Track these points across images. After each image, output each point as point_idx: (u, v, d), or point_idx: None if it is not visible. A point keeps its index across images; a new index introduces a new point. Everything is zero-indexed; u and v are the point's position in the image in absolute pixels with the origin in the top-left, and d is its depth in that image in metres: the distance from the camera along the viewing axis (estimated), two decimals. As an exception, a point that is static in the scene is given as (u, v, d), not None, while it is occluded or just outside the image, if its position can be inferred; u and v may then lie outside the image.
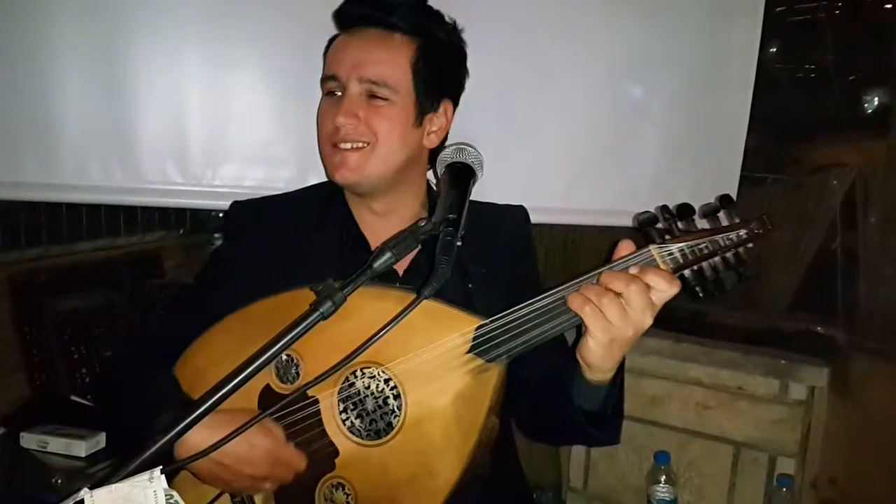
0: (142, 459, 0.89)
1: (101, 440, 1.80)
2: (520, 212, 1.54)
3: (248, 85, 1.88)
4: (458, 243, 1.08)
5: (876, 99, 2.31)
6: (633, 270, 1.10)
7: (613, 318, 1.07)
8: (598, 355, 1.11)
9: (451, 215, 1.12)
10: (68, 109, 1.79)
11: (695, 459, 2.30)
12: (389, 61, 1.35)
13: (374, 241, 1.41)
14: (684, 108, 2.08)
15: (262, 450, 1.19)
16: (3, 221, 2.20)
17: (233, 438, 1.04)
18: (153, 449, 0.90)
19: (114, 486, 0.83)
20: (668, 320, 2.34)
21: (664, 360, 2.31)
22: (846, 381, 2.17)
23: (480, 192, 1.32)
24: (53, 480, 1.60)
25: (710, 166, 2.10)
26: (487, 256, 1.42)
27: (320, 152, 1.42)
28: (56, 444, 1.72)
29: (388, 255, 1.04)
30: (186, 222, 2.62)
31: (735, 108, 2.06)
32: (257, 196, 1.53)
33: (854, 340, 2.24)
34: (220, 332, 1.28)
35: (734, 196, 2.02)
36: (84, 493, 0.82)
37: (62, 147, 1.79)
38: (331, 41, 1.45)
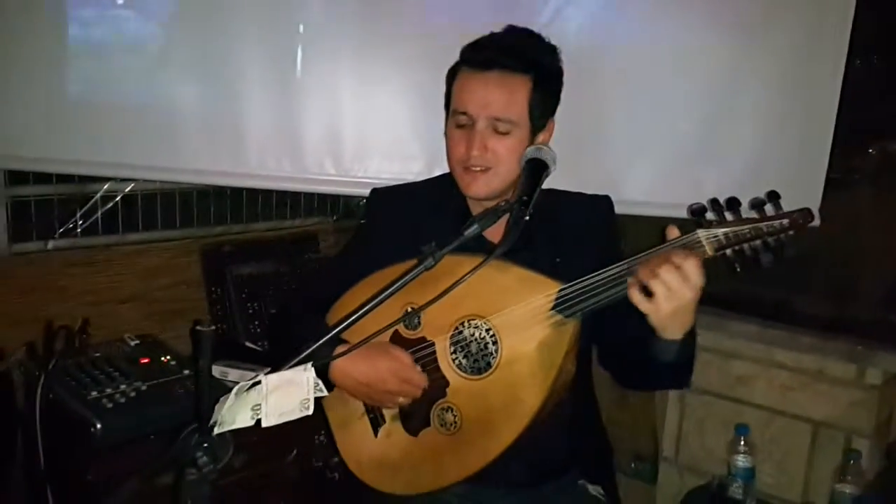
0: (300, 358, 1.13)
1: (267, 375, 2.20)
2: (605, 201, 1.73)
3: (390, 97, 2.25)
4: (527, 218, 1.33)
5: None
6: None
7: (657, 294, 1.28)
8: (661, 320, 1.32)
9: (524, 197, 1.37)
10: (253, 113, 2.20)
11: (776, 436, 2.42)
12: (510, 100, 1.55)
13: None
14: (774, 112, 2.22)
15: (387, 370, 1.51)
16: (197, 204, 2.67)
17: (362, 345, 1.26)
18: (310, 349, 1.15)
19: (281, 373, 1.15)
20: (755, 306, 2.51)
21: (752, 343, 2.45)
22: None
23: (573, 183, 1.65)
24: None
25: (798, 166, 2.24)
26: (575, 237, 1.65)
27: (451, 169, 1.64)
28: (234, 375, 2.08)
29: (475, 225, 1.29)
30: (339, 209, 3.01)
31: (822, 113, 2.18)
32: (395, 184, 1.84)
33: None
34: (363, 287, 1.58)
35: (820, 196, 2.19)
36: (261, 376, 1.15)
37: (248, 143, 2.20)
38: (454, 72, 1.65)
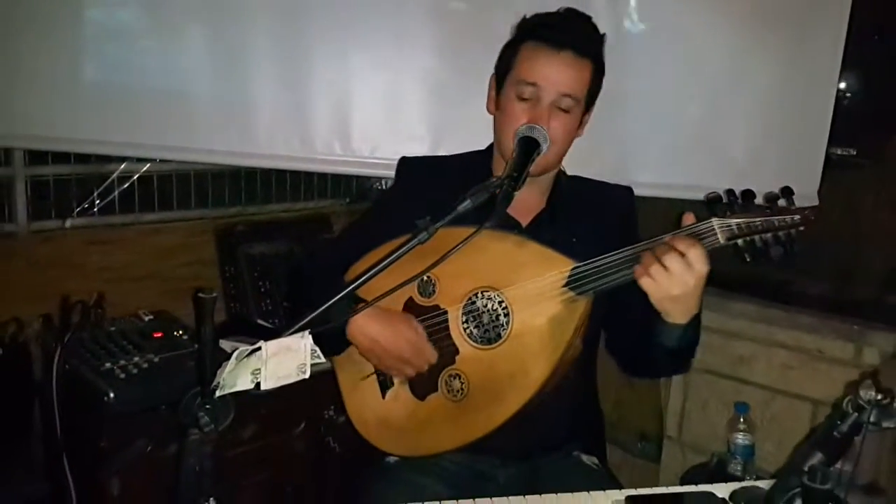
0: (303, 322, 1.16)
1: (277, 351, 2.25)
2: (626, 191, 1.81)
3: (397, 80, 2.28)
4: (516, 194, 1.36)
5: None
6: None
7: (659, 278, 1.33)
8: (660, 301, 1.37)
9: (514, 174, 1.40)
10: (263, 94, 2.25)
11: (777, 414, 2.43)
12: (578, 82, 1.60)
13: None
14: (774, 94, 2.25)
15: (405, 338, 1.54)
16: (212, 185, 2.73)
17: (383, 298, 1.28)
18: (314, 314, 1.17)
19: (279, 340, 1.19)
20: (755, 286, 2.52)
21: (753, 323, 2.46)
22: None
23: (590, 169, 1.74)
24: (242, 374, 2.04)
25: (798, 149, 2.28)
26: (594, 222, 1.69)
27: (504, 141, 1.62)
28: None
29: (467, 201, 1.30)
30: (353, 192, 3.05)
31: (821, 101, 2.21)
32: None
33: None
34: (378, 253, 1.56)
35: (819, 179, 2.22)
36: (261, 343, 1.19)
37: (258, 123, 2.25)
38: (517, 44, 1.65)
